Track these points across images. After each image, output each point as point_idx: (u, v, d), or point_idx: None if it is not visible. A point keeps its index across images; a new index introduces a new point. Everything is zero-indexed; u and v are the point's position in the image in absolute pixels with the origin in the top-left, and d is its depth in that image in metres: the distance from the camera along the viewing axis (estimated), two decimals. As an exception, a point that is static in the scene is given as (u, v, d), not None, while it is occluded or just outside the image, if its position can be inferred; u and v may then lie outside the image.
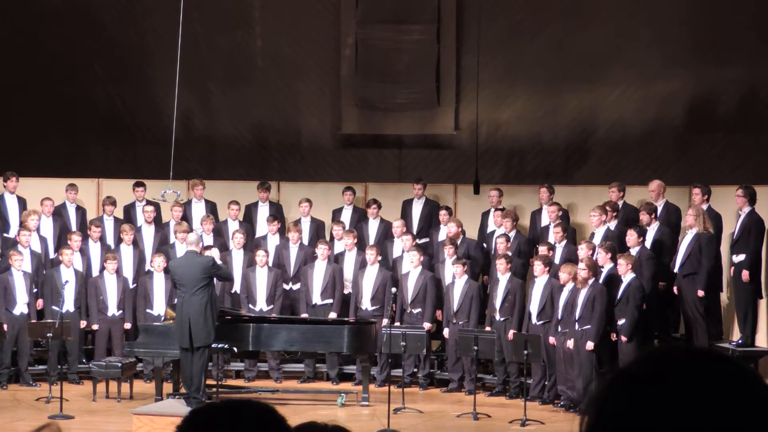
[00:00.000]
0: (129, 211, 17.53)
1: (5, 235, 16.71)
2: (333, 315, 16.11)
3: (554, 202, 16.47)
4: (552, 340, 14.61)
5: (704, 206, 15.00)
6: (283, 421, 2.10)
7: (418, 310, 15.91)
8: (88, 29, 18.97)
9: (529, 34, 18.28)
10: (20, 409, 14.49)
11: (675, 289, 14.90)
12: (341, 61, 18.80)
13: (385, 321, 15.36)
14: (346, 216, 17.50)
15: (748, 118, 17.39)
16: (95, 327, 16.13)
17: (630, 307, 14.04)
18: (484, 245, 16.70)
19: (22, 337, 15.56)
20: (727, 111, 17.55)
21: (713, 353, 1.76)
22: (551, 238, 15.87)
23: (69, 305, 15.58)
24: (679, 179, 16.85)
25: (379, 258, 16.32)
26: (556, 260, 15.36)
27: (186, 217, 17.27)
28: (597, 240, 15.27)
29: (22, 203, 17.07)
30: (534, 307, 15.01)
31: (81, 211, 17.51)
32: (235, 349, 14.64)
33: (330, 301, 16.34)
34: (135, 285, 16.40)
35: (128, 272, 16.55)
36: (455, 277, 15.65)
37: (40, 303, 16.02)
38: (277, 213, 17.49)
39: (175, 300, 14.24)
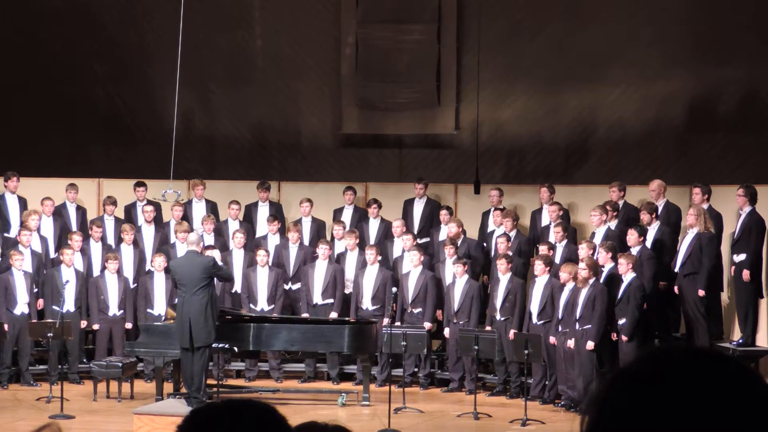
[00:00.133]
0: (130, 210, 17.54)
1: (6, 234, 16.71)
2: (334, 315, 16.11)
3: (555, 201, 16.47)
4: (552, 339, 14.61)
5: (705, 206, 15.01)
6: (284, 421, 2.10)
7: (419, 309, 15.91)
8: (88, 29, 18.97)
9: (529, 34, 18.28)
10: (21, 408, 14.49)
11: (676, 288, 14.90)
12: (341, 60, 18.80)
13: (385, 321, 15.37)
14: (347, 216, 17.51)
15: (748, 117, 17.39)
16: (96, 327, 16.13)
17: (630, 307, 14.04)
18: (484, 244, 16.70)
19: (22, 337, 15.56)
20: (727, 111, 17.55)
21: (714, 353, 1.76)
22: (552, 238, 15.87)
23: (69, 305, 15.58)
24: (679, 179, 16.85)
25: (379, 258, 16.32)
26: (557, 260, 15.36)
27: (186, 217, 17.28)
28: (597, 240, 15.26)
29: (22, 203, 17.08)
30: (534, 306, 15.01)
31: (81, 211, 17.51)
32: (236, 348, 14.64)
33: (331, 300, 16.34)
34: (135, 285, 16.40)
35: (129, 272, 16.55)
36: (456, 276, 15.65)
37: (40, 303, 16.02)
38: (277, 213, 17.49)
39: (176, 300, 14.25)
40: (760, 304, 14.89)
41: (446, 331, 15.82)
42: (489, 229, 16.89)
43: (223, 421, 2.06)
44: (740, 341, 14.70)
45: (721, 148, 17.55)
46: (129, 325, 16.15)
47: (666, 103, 17.78)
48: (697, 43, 17.55)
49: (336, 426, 2.32)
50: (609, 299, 14.13)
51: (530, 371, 14.78)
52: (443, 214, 16.90)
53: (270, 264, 16.42)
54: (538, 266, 15.00)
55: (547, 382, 14.88)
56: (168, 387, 15.08)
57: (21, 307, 15.68)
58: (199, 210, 17.56)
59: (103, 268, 16.29)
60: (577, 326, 14.16)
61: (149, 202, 17.24)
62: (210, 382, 14.52)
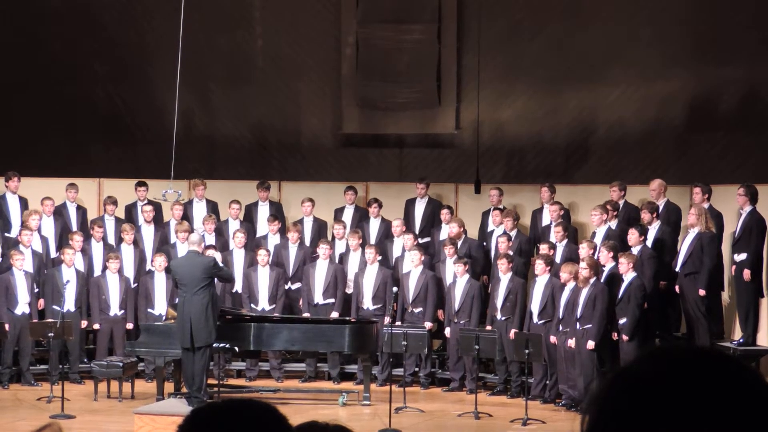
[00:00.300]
0: (131, 210, 17.54)
1: (7, 234, 16.71)
2: (335, 315, 16.12)
3: (556, 201, 16.47)
4: (553, 339, 14.61)
5: (705, 205, 15.01)
6: (284, 421, 2.10)
7: (419, 309, 15.91)
8: (88, 29, 18.97)
9: (529, 34, 18.28)
10: (22, 408, 14.49)
11: (677, 288, 14.90)
12: (342, 60, 18.80)
13: (386, 320, 15.38)
14: (348, 215, 17.51)
15: (748, 117, 17.39)
16: (97, 326, 16.13)
17: (631, 306, 14.04)
18: (484, 244, 16.70)
19: (23, 337, 15.56)
20: (727, 110, 17.55)
21: (714, 352, 1.75)
22: (552, 238, 15.87)
23: (70, 305, 15.58)
24: (679, 179, 16.85)
25: (379, 257, 16.32)
26: (557, 259, 15.36)
27: (187, 217, 17.28)
28: (598, 239, 15.27)
29: (23, 203, 17.08)
30: (535, 306, 15.01)
31: (81, 211, 17.51)
32: (237, 348, 14.63)
33: (332, 300, 16.35)
34: (136, 285, 16.40)
35: (129, 272, 16.55)
36: (456, 276, 15.65)
37: (41, 303, 16.02)
38: (277, 212, 17.50)
39: (177, 300, 14.25)
40: (760, 304, 14.88)
41: (447, 331, 15.82)
42: (489, 229, 16.89)
43: (224, 420, 2.06)
44: (741, 341, 14.70)
45: (722, 147, 17.55)
46: (130, 325, 16.15)
47: (666, 102, 17.78)
48: (697, 42, 17.55)
49: (337, 426, 2.32)
50: (609, 299, 14.13)
51: (531, 371, 14.79)
52: (444, 214, 16.90)
53: (270, 264, 16.42)
54: (539, 266, 15.00)
55: (547, 382, 14.88)
56: (169, 387, 15.08)
57: (22, 307, 15.68)
58: (199, 210, 17.56)
59: (104, 267, 16.30)
60: (578, 326, 14.16)
61: (149, 202, 17.24)
62: (211, 381, 14.52)
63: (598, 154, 18.19)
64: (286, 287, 16.62)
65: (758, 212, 14.70)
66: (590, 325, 14.03)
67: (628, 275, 14.18)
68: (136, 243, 16.80)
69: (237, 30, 19.03)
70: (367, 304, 16.12)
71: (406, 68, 18.45)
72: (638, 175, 17.29)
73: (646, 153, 17.86)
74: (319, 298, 16.35)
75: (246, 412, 2.08)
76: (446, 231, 16.60)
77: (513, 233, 16.27)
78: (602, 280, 14.34)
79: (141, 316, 16.08)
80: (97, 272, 16.47)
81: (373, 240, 17.02)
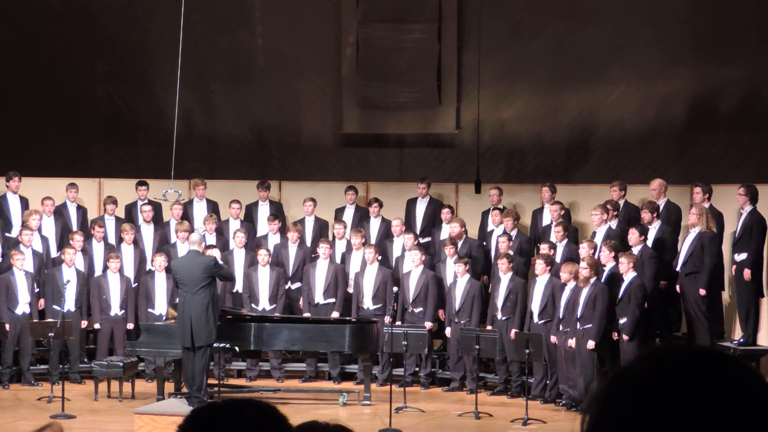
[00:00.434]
0: (131, 210, 17.54)
1: (7, 234, 16.71)
2: (335, 314, 16.12)
3: (556, 201, 16.47)
4: (553, 339, 14.61)
5: (706, 205, 15.01)
6: (285, 421, 2.10)
7: (420, 309, 15.91)
8: (89, 29, 18.97)
9: (529, 34, 18.28)
10: (22, 408, 14.49)
11: (677, 287, 14.90)
12: (342, 60, 18.80)
13: (387, 319, 15.39)
14: (349, 215, 17.51)
15: (748, 117, 17.39)
16: (97, 326, 16.13)
17: (631, 306, 14.04)
18: (484, 244, 16.70)
19: (23, 337, 15.57)
20: (727, 110, 17.55)
21: (714, 352, 1.75)
22: (553, 237, 15.87)
23: (70, 305, 15.58)
24: (679, 178, 16.86)
25: (379, 257, 16.32)
26: (558, 259, 15.36)
27: (187, 217, 17.29)
28: (598, 239, 15.27)
29: (24, 203, 17.08)
30: (535, 306, 15.01)
31: (82, 211, 17.51)
32: (237, 348, 14.64)
33: (332, 300, 16.35)
34: (136, 284, 16.40)
35: (130, 272, 16.55)
36: (457, 276, 15.65)
37: (41, 303, 16.02)
38: (277, 212, 17.50)
39: (177, 299, 14.25)
40: (761, 304, 14.88)
41: (447, 331, 15.82)
42: (488, 229, 16.89)
43: (224, 420, 2.06)
44: (741, 340, 14.70)
45: (722, 147, 17.56)
46: (131, 325, 16.15)
47: (666, 102, 17.78)
48: (698, 42, 17.55)
49: (337, 425, 2.33)
50: (610, 298, 14.13)
51: (531, 371, 14.79)
52: (445, 214, 16.91)
53: (270, 263, 16.41)
54: (539, 266, 15.00)
55: (548, 382, 14.88)
56: (169, 387, 15.08)
57: (22, 307, 15.69)
58: (199, 209, 17.56)
59: (105, 267, 16.30)
60: (578, 325, 14.16)
61: (149, 202, 17.25)
62: (211, 381, 14.52)
63: (599, 153, 18.20)
64: (286, 287, 16.62)
65: (758, 212, 14.70)
66: (590, 325, 14.03)
67: (629, 275, 14.18)
68: (136, 243, 16.80)
69: (237, 30, 19.03)
70: (368, 303, 16.12)
71: (407, 68, 18.45)
72: (638, 175, 17.29)
73: (646, 153, 17.86)
74: (319, 298, 16.36)
75: (246, 412, 2.08)
76: (447, 231, 16.61)
77: (513, 233, 16.27)
78: (603, 280, 14.34)
79: (141, 316, 16.08)
80: (98, 272, 16.47)
81: (373, 240, 17.02)
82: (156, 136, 18.42)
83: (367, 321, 15.35)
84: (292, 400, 14.85)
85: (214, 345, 13.77)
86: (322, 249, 16.31)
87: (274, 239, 17.03)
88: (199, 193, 17.65)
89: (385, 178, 18.62)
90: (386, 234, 17.19)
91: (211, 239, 16.67)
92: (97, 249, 16.68)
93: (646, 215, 15.41)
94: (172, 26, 16.43)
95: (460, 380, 15.80)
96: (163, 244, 16.91)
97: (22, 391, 15.56)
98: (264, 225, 17.37)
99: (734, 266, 14.82)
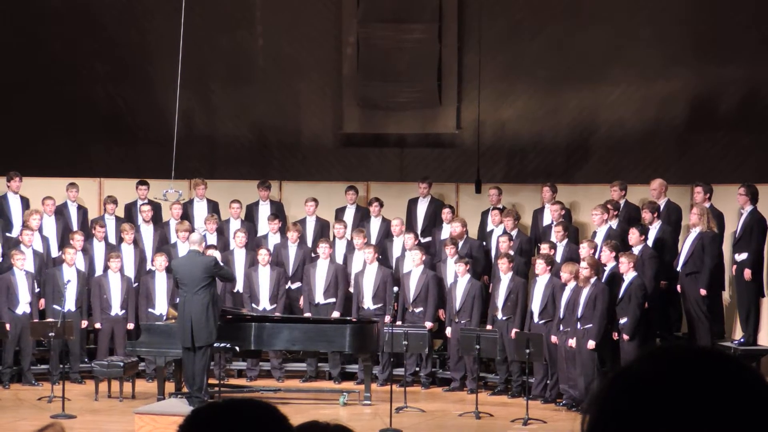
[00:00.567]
0: (130, 209, 17.53)
1: (8, 234, 16.71)
2: (336, 314, 16.12)
3: (557, 201, 16.47)
4: (554, 339, 14.61)
5: (706, 205, 15.01)
6: (285, 421, 2.10)
7: (420, 309, 15.91)
8: (89, 29, 18.97)
9: (529, 34, 18.28)
10: (22, 408, 14.50)
11: (678, 287, 14.90)
12: (342, 60, 18.80)
13: (387, 319, 15.39)
14: (349, 215, 17.51)
15: (748, 117, 17.39)
16: (98, 326, 16.13)
17: (632, 306, 14.04)
18: (484, 243, 16.70)
19: (24, 337, 15.57)
20: (727, 110, 17.55)
21: (715, 352, 1.75)
22: (553, 237, 15.87)
23: (70, 305, 15.58)
24: (680, 178, 16.86)
25: (379, 257, 16.33)
26: (558, 259, 15.36)
27: (187, 217, 17.28)
28: (599, 239, 15.27)
29: (25, 203, 17.08)
30: (536, 306, 15.01)
31: (82, 211, 17.51)
32: (237, 348, 14.64)
33: (333, 300, 16.35)
34: (137, 284, 16.40)
35: (130, 271, 16.55)
36: (457, 276, 15.65)
37: (42, 303, 16.02)
38: (278, 212, 17.50)
39: (177, 299, 14.25)
40: (761, 303, 14.88)
41: (448, 331, 15.82)
42: (488, 229, 16.89)
43: (225, 420, 2.06)
44: (741, 340, 14.70)
45: (722, 147, 17.56)
46: (131, 325, 16.15)
47: (666, 102, 17.78)
48: (698, 42, 17.55)
49: (337, 425, 2.33)
50: (610, 298, 14.12)
51: (531, 370, 14.78)
52: (445, 214, 16.91)
53: (270, 263, 16.41)
54: (540, 265, 15.00)
55: (548, 382, 14.88)
56: (169, 386, 15.08)
57: (23, 307, 15.69)
58: (200, 209, 17.56)
59: (106, 267, 16.30)
60: (579, 325, 14.16)
61: (148, 202, 17.26)
62: (211, 381, 14.52)
63: (599, 153, 18.20)
64: (287, 287, 16.62)
65: (759, 212, 14.69)
66: (591, 325, 14.03)
67: (629, 275, 14.18)
68: (136, 242, 16.80)
69: (238, 29, 19.03)
70: (368, 303, 16.12)
71: (407, 68, 18.45)
72: (639, 175, 17.29)
73: (646, 152, 17.86)
74: (319, 298, 16.36)
75: (246, 411, 2.08)
76: (447, 231, 16.61)
77: (514, 233, 16.27)
78: (603, 280, 14.34)
79: (142, 316, 16.09)
80: (99, 272, 16.47)
81: (373, 239, 17.02)
82: (156, 135, 18.41)
83: (368, 321, 15.35)
84: (292, 400, 14.85)
85: (215, 345, 13.78)
86: (322, 249, 16.31)
87: (274, 239, 17.03)
88: (199, 193, 17.65)
89: (385, 178, 18.62)
90: (386, 234, 17.19)
91: (212, 239, 16.68)
92: (98, 249, 16.68)
93: (646, 215, 15.41)
94: (172, 26, 16.43)
95: (461, 380, 15.80)
96: (163, 244, 16.91)
97: (22, 390, 15.56)
98: (265, 225, 17.37)
99: (735, 266, 14.82)
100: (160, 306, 16.09)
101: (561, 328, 14.53)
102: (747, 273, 14.54)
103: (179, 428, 2.07)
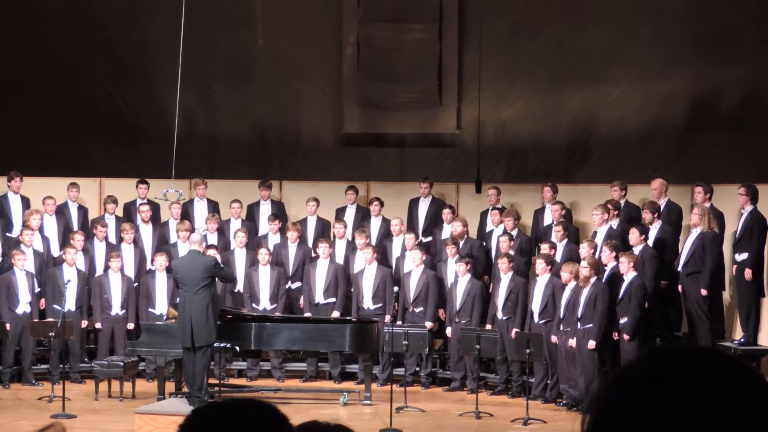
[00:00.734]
0: (129, 208, 17.53)
1: (8, 234, 16.71)
2: (336, 314, 16.12)
3: (557, 201, 16.48)
4: (554, 338, 14.61)
5: (707, 205, 15.01)
6: (285, 420, 2.10)
7: (420, 309, 15.91)
8: (89, 29, 18.97)
9: (529, 34, 18.29)
10: (23, 408, 14.50)
11: (679, 287, 14.90)
12: (343, 60, 18.80)
13: (387, 318, 15.39)
14: (350, 215, 17.51)
15: (749, 116, 17.39)
16: (99, 326, 16.13)
17: (632, 306, 14.04)
18: (484, 244, 16.70)
19: (24, 337, 15.57)
20: (728, 110, 17.55)
21: (715, 352, 1.75)
22: (553, 237, 15.87)
23: (71, 304, 15.58)
24: (680, 178, 16.86)
25: (378, 257, 16.32)
26: (558, 259, 15.36)
27: (187, 216, 17.29)
28: (599, 239, 15.27)
29: (25, 203, 17.08)
30: (536, 305, 15.01)
31: (83, 210, 17.51)
32: (238, 348, 14.64)
33: (333, 300, 16.35)
34: (137, 284, 16.41)
35: (130, 271, 16.55)
36: (458, 275, 15.66)
37: (42, 302, 16.03)
38: (279, 212, 17.50)
39: (177, 299, 14.24)
40: (761, 303, 14.88)
41: (448, 331, 15.82)
42: (488, 229, 16.89)
43: (225, 420, 2.06)
44: (742, 340, 14.69)
45: (722, 147, 17.56)
46: (131, 325, 16.15)
47: (667, 102, 17.78)
48: (698, 42, 17.55)
49: (337, 425, 2.33)
50: (610, 298, 14.12)
51: (532, 370, 14.78)
52: (446, 214, 16.91)
53: (271, 263, 16.41)
54: (540, 265, 15.00)
55: (548, 382, 14.88)
56: (170, 386, 15.08)
57: (23, 307, 15.69)
58: (200, 209, 17.56)
59: (107, 267, 16.30)
60: (579, 325, 14.16)
61: (147, 201, 17.26)
62: (211, 381, 14.52)
63: (599, 153, 18.20)
64: (287, 287, 16.62)
65: (759, 212, 14.69)
66: (591, 325, 14.03)
67: (629, 275, 14.18)
68: (136, 242, 16.81)
69: (238, 29, 19.04)
70: (368, 303, 16.12)
71: (407, 68, 18.45)
72: (639, 175, 17.29)
73: (646, 152, 17.86)
74: (320, 298, 16.36)
75: (247, 411, 2.08)
76: (448, 231, 16.61)
77: (514, 233, 16.27)
78: (603, 280, 14.34)
79: (142, 316, 16.09)
80: (99, 272, 16.47)
81: (374, 239, 17.02)
82: (157, 135, 18.42)
83: (368, 321, 15.35)
84: (292, 400, 14.85)
85: (215, 345, 13.77)
86: (322, 248, 16.31)
87: (274, 239, 17.03)
88: (199, 193, 17.65)
89: (385, 177, 18.62)
90: (387, 234, 17.19)
91: (213, 239, 16.68)
92: (99, 249, 16.68)
93: (646, 215, 15.41)
94: (172, 26, 16.43)
95: (461, 380, 15.80)
96: (162, 244, 16.91)
97: (22, 390, 15.56)
98: (266, 224, 17.37)
99: (735, 266, 14.81)
100: (161, 306, 16.09)
101: (561, 328, 14.53)
102: (747, 273, 14.54)
103: (179, 428, 2.07)
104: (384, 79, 18.47)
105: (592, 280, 14.14)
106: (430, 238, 17.16)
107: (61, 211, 17.14)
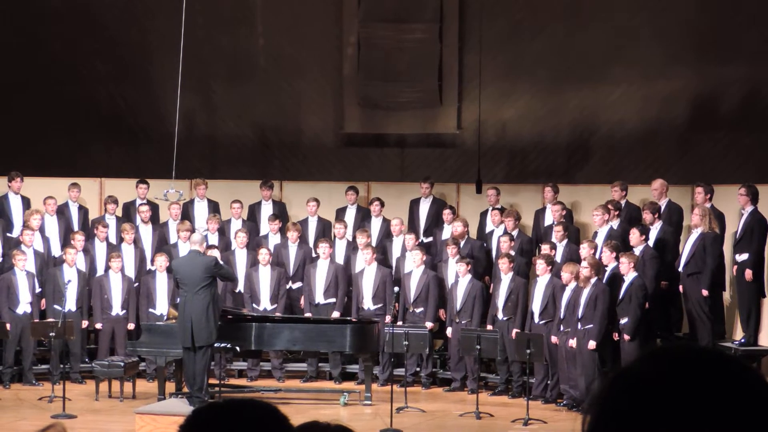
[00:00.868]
0: (129, 208, 17.53)
1: (8, 234, 16.71)
2: (336, 314, 16.12)
3: (558, 201, 16.47)
4: (554, 339, 14.61)
5: (708, 205, 15.01)
6: (286, 421, 2.10)
7: (421, 309, 15.91)
8: (89, 29, 18.97)
9: (530, 34, 18.28)
10: (23, 408, 14.50)
11: (680, 288, 14.90)
12: (343, 60, 18.80)
13: (387, 319, 15.39)
14: (350, 215, 17.50)
15: (749, 116, 17.39)
16: (99, 326, 16.13)
17: (632, 306, 14.04)
18: (484, 244, 16.70)
19: (25, 337, 15.57)
20: (729, 110, 17.55)
21: (715, 352, 1.75)
22: (554, 238, 15.87)
23: (71, 305, 15.58)
24: (681, 178, 16.86)
25: (377, 257, 16.32)
26: (558, 259, 15.36)
27: (188, 216, 17.29)
28: (600, 239, 15.27)
29: (26, 203, 17.08)
30: (536, 306, 15.01)
31: (83, 211, 17.51)
32: (238, 348, 14.64)
33: (333, 300, 16.35)
34: (137, 284, 16.41)
35: (131, 271, 16.55)
36: (458, 276, 15.65)
37: (43, 302, 16.03)
38: (279, 212, 17.50)
39: (178, 299, 14.24)
40: (762, 304, 14.87)
41: (448, 331, 15.82)
42: (488, 229, 16.89)
43: (225, 420, 2.06)
44: (742, 341, 14.69)
45: (723, 147, 17.55)
46: (132, 325, 16.16)
47: (668, 102, 17.78)
48: (699, 42, 17.55)
49: (338, 425, 2.32)
50: (611, 298, 14.12)
51: (532, 371, 14.79)
52: (446, 214, 16.91)
53: (271, 263, 16.41)
54: (540, 266, 15.00)
55: (549, 382, 14.88)
56: (170, 386, 15.08)
57: (23, 307, 15.70)
58: (201, 209, 17.56)
59: (107, 267, 16.30)
60: (579, 326, 14.15)
61: (147, 202, 17.26)
62: (212, 381, 14.52)
63: (600, 153, 18.20)
64: (287, 287, 16.62)
65: (759, 212, 14.69)
66: (591, 325, 14.03)
67: (630, 275, 14.18)
68: (137, 243, 16.81)
69: (238, 29, 19.04)
70: (368, 304, 16.11)
71: (408, 68, 18.45)
72: (640, 175, 17.29)
73: (647, 152, 17.86)
74: (320, 298, 16.36)
75: (247, 412, 2.08)
76: (449, 231, 16.61)
77: (514, 233, 16.27)
78: (604, 280, 14.33)
79: (142, 316, 16.09)
80: (100, 272, 16.48)
81: (374, 239, 17.02)
82: (157, 135, 18.42)
83: (368, 321, 15.35)
84: (293, 400, 14.85)
85: (215, 345, 13.77)
86: (322, 249, 16.31)
87: (274, 239, 17.03)
88: (200, 193, 17.65)
89: (386, 178, 18.62)
90: (387, 234, 17.19)
91: (214, 239, 16.68)
92: (99, 249, 16.68)
93: (647, 215, 15.41)
94: (173, 26, 16.43)
95: (461, 380, 15.80)
96: (162, 244, 16.91)
97: (23, 390, 15.56)
98: (267, 224, 17.36)
99: (735, 266, 14.81)
100: (161, 306, 16.09)
101: (561, 328, 14.53)
102: (748, 273, 14.53)
103: (180, 428, 2.07)
104: (384, 79, 18.47)
105: (593, 280, 14.14)
106: (430, 239, 17.16)
107: (62, 212, 17.14)
